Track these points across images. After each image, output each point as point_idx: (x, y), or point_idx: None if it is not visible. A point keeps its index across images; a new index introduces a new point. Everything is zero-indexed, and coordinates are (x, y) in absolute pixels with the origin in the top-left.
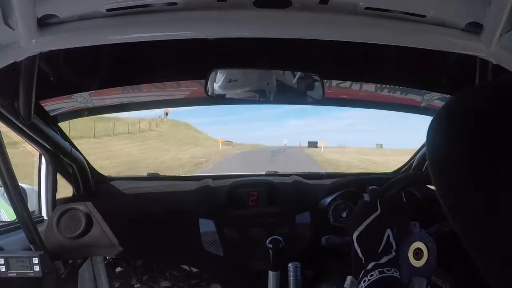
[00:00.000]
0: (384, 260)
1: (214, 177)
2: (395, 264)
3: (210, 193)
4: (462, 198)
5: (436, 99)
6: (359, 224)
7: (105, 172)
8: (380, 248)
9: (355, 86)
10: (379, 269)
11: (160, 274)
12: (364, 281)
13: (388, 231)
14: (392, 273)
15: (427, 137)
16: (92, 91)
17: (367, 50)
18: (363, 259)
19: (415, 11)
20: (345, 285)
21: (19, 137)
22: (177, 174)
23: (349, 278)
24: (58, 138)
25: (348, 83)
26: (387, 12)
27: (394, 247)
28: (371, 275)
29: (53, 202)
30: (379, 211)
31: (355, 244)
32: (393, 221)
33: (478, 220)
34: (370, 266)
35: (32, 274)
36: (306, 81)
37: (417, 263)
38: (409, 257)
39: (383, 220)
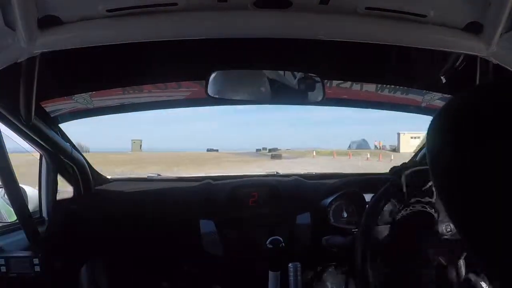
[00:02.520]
0: (426, 200)
1: (215, 178)
2: (435, 207)
3: (210, 194)
4: (461, 197)
5: (437, 99)
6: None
7: None
8: (424, 188)
9: (356, 86)
10: (422, 204)
11: (160, 274)
12: (406, 210)
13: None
14: (432, 212)
15: (427, 136)
16: (93, 92)
17: (367, 50)
18: (407, 193)
19: (415, 11)
20: (385, 209)
21: None
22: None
23: (388, 206)
24: (59, 139)
25: (348, 83)
26: (388, 12)
27: (436, 196)
28: (413, 207)
29: (54, 203)
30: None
31: (403, 179)
32: None
33: (477, 219)
34: (412, 200)
35: (32, 275)
36: (307, 81)
37: None
38: None
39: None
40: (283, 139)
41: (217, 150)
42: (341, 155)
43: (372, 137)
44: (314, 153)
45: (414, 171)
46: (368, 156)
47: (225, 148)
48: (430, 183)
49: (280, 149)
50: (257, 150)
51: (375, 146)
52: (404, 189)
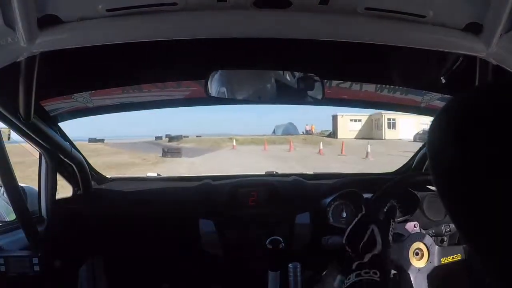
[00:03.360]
0: (366, 258)
1: (214, 178)
2: (377, 265)
3: (210, 193)
4: (461, 197)
5: (436, 100)
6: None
7: None
8: (362, 244)
9: (355, 86)
10: (357, 272)
11: (159, 274)
12: (348, 280)
13: (372, 226)
14: (370, 275)
15: (428, 137)
16: (92, 91)
17: (367, 50)
18: (353, 257)
19: (415, 11)
20: (334, 285)
21: None
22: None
23: (338, 278)
24: (58, 138)
25: (348, 84)
26: (387, 12)
27: (380, 242)
28: (349, 278)
29: (53, 202)
30: (364, 211)
31: (345, 245)
32: (377, 219)
33: (477, 219)
34: (354, 265)
35: (31, 274)
36: (306, 81)
37: (418, 263)
38: (409, 257)
39: (367, 218)
40: (196, 124)
41: (102, 141)
42: (274, 144)
43: (301, 121)
44: (234, 142)
45: (349, 232)
46: (321, 147)
47: (120, 135)
48: (367, 234)
49: (186, 137)
50: (157, 138)
51: (306, 131)
52: (351, 253)
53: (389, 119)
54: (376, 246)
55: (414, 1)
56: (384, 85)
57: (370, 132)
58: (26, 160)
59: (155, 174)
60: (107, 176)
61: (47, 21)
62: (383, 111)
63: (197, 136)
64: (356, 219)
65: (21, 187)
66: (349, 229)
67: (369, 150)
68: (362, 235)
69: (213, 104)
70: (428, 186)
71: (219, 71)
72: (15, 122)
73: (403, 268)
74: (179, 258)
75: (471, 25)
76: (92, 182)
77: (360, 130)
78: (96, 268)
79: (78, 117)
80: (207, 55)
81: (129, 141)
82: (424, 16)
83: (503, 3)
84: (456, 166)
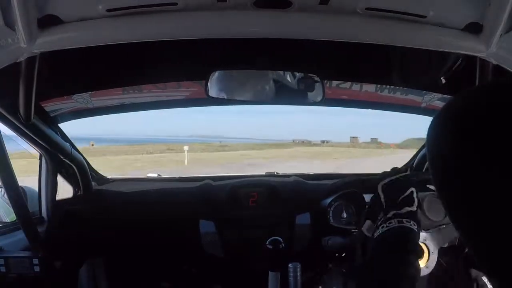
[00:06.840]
0: (404, 210)
1: (215, 178)
2: (414, 218)
3: (210, 194)
4: (460, 197)
5: (437, 100)
6: (385, 179)
7: None
8: (401, 198)
9: (355, 86)
10: (398, 219)
11: (160, 274)
12: (383, 227)
13: (412, 189)
14: (411, 225)
15: (427, 136)
16: (93, 92)
17: (367, 50)
18: (384, 205)
19: (415, 11)
20: (362, 228)
21: None
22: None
23: (367, 222)
24: (58, 138)
25: (348, 84)
26: (388, 12)
27: (416, 203)
28: (390, 223)
29: (53, 203)
30: (408, 172)
31: (379, 191)
32: (419, 185)
33: (476, 219)
34: (390, 214)
35: (32, 275)
36: (306, 81)
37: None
38: None
39: (410, 180)
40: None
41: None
42: None
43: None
44: None
45: (387, 183)
46: None
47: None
48: (408, 191)
49: None
50: None
51: None
52: (382, 200)
53: None
54: (414, 203)
55: (414, 1)
56: (384, 86)
57: None
58: None
59: (155, 175)
60: (108, 177)
61: (47, 22)
62: None
63: None
64: (397, 176)
65: (22, 187)
66: (387, 180)
67: None
68: (402, 190)
69: (213, 105)
70: (428, 186)
71: (219, 71)
72: (15, 123)
73: None
74: (179, 259)
75: (471, 25)
76: (93, 183)
77: None
78: (97, 269)
79: (78, 118)
80: (207, 56)
81: None
82: (424, 16)
83: (503, 4)
84: (455, 164)
